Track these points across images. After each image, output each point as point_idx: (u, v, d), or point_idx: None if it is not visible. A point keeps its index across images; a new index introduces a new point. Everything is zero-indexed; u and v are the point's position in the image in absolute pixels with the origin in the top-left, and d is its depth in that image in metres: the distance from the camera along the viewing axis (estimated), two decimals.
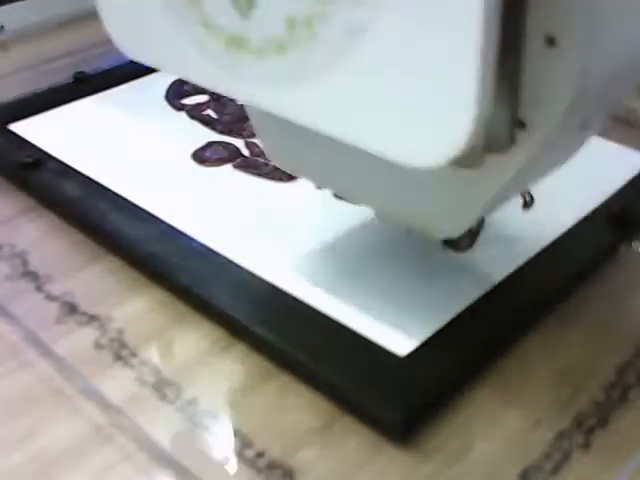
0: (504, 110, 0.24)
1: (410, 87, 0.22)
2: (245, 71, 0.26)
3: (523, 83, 0.23)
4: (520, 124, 0.24)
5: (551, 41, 0.22)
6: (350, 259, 0.35)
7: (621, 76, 0.26)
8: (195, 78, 0.29)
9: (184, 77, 0.30)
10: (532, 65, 0.23)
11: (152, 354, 0.32)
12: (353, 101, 0.23)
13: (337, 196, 0.39)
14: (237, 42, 0.25)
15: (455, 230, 0.30)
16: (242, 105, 0.48)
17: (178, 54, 0.28)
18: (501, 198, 0.29)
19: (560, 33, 0.22)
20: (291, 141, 0.31)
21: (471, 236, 0.36)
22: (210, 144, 0.44)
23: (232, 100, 0.49)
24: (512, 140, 0.25)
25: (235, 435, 0.28)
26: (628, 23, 0.24)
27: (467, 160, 0.25)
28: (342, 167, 0.31)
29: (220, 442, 0.28)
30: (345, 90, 0.23)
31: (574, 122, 0.26)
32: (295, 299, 0.33)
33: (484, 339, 0.31)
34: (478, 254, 0.35)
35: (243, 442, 0.28)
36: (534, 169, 0.28)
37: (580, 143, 0.30)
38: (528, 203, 0.38)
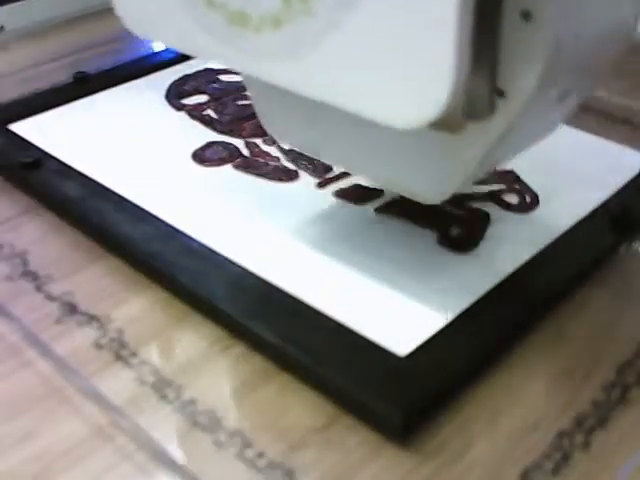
0: (484, 79, 0.26)
1: (393, 54, 0.24)
2: (246, 45, 0.28)
3: (501, 55, 0.25)
4: (499, 92, 0.26)
5: (527, 15, 0.24)
6: (350, 259, 0.35)
7: (597, 50, 0.28)
8: (199, 53, 0.31)
9: (189, 52, 0.32)
10: (508, 38, 0.25)
11: (152, 354, 0.32)
12: (343, 69, 0.25)
13: (338, 196, 0.39)
14: (239, 19, 0.27)
15: (440, 195, 0.32)
16: (242, 105, 0.49)
17: (182, 30, 0.30)
18: (485, 165, 0.31)
19: (535, 8, 0.24)
20: (287, 112, 0.34)
21: (474, 236, 0.36)
22: (210, 144, 0.44)
23: (232, 100, 0.49)
24: (492, 108, 0.26)
25: (235, 435, 0.28)
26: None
27: (449, 125, 0.27)
28: (335, 136, 0.33)
29: (220, 442, 0.28)
30: (336, 59, 0.25)
31: (552, 93, 0.29)
32: (295, 299, 0.33)
33: (484, 339, 0.31)
34: (478, 254, 0.35)
35: (243, 442, 0.28)
36: (516, 138, 0.30)
37: (560, 115, 0.33)
38: (531, 203, 0.38)
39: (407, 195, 0.34)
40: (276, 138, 0.37)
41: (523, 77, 0.25)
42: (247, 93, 0.50)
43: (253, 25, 0.27)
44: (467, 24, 0.22)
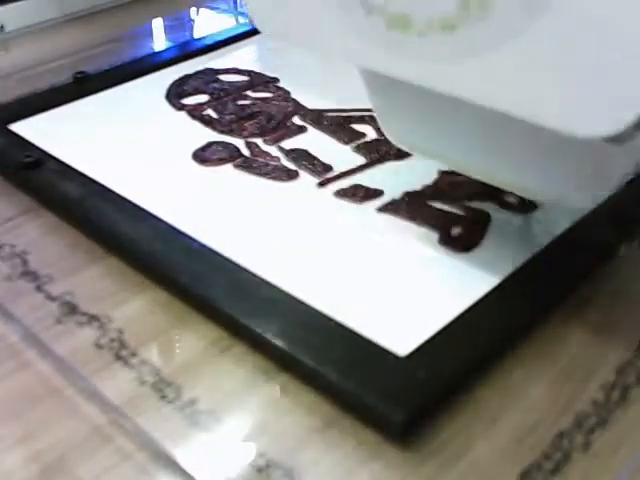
0: None
1: (585, 65, 0.23)
2: (405, 50, 0.26)
3: None
4: None
5: None
6: (350, 259, 0.35)
7: None
8: (350, 59, 0.29)
9: (337, 57, 0.30)
10: None
11: (152, 354, 0.32)
12: (525, 75, 0.24)
13: (338, 196, 0.39)
14: (400, 22, 0.26)
15: (592, 200, 0.31)
16: (242, 105, 0.49)
17: (330, 34, 0.28)
18: (633, 168, 0.30)
19: None
20: (407, 114, 0.33)
21: (475, 236, 0.36)
22: (210, 144, 0.44)
23: (232, 100, 0.49)
24: None
25: (235, 435, 0.28)
26: None
27: (621, 137, 0.25)
28: (476, 145, 0.32)
29: (220, 442, 0.28)
30: (518, 66, 0.24)
31: None
32: (295, 299, 0.33)
33: (484, 339, 0.31)
34: (478, 254, 0.35)
35: (243, 442, 0.28)
36: None
37: None
38: (531, 203, 0.38)
39: (554, 202, 0.33)
40: (394, 142, 0.35)
41: None
42: (247, 93, 0.50)
43: (416, 29, 0.26)
44: None
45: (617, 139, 0.24)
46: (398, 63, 0.27)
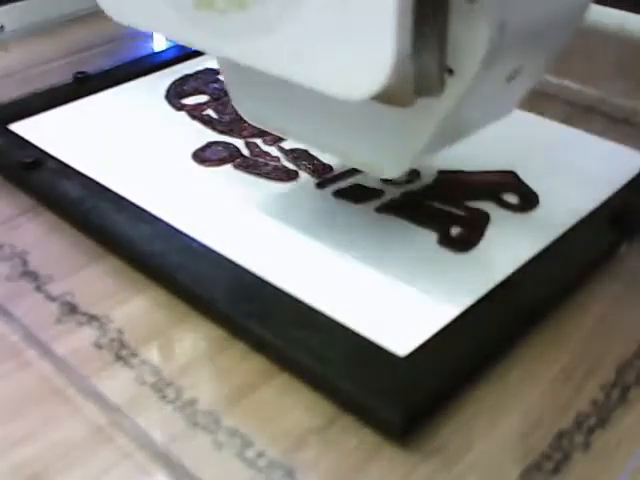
0: (433, 57, 0.28)
1: (342, 31, 0.26)
2: (211, 27, 0.29)
3: (449, 35, 0.27)
4: (448, 71, 0.28)
5: None
6: (350, 259, 0.35)
7: (546, 31, 0.31)
8: (171, 35, 0.34)
9: (162, 34, 0.37)
10: (455, 19, 0.27)
11: (152, 354, 0.32)
12: (301, 46, 0.27)
13: (338, 196, 0.39)
14: (204, 1, 0.29)
15: (395, 170, 0.34)
16: None
17: (155, 13, 0.32)
18: (439, 141, 0.33)
19: None
20: (256, 93, 0.37)
21: (474, 236, 0.36)
22: (210, 144, 0.44)
23: None
24: (441, 85, 0.28)
25: (235, 435, 0.28)
26: None
27: (400, 100, 0.29)
28: (300, 115, 0.36)
29: (220, 442, 0.28)
30: (295, 37, 0.27)
31: (500, 73, 0.31)
32: (295, 299, 0.33)
33: (484, 339, 0.31)
34: (478, 254, 0.35)
35: (243, 442, 0.28)
36: (467, 117, 0.33)
37: (512, 97, 0.35)
38: (531, 203, 0.38)
39: (366, 170, 0.36)
40: (247, 119, 0.38)
41: (470, 57, 0.27)
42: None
43: (218, 7, 0.29)
44: (407, 4, 0.24)
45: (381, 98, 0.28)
46: (207, 39, 0.30)
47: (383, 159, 0.34)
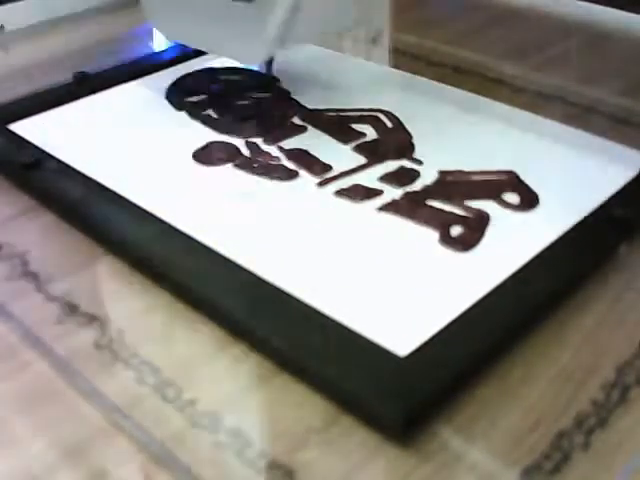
0: None
1: None
2: None
3: None
4: None
5: None
6: (350, 259, 0.35)
7: None
8: None
9: None
10: None
11: (152, 354, 0.32)
12: None
13: (338, 195, 0.39)
14: None
15: (255, 57, 0.46)
16: (242, 105, 0.49)
17: None
18: (288, 35, 0.44)
19: None
20: (164, 7, 0.47)
21: (475, 236, 0.36)
22: (210, 144, 0.44)
23: (232, 100, 0.49)
24: None
25: (235, 435, 0.28)
26: None
27: None
28: (192, 22, 0.47)
29: (220, 442, 0.28)
30: None
31: None
32: (295, 299, 0.33)
33: (484, 339, 0.31)
34: (478, 254, 0.35)
35: (243, 442, 0.28)
36: (309, 16, 0.44)
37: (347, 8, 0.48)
38: (531, 203, 0.38)
39: (234, 59, 0.48)
40: (159, 30, 0.49)
41: None
42: (247, 93, 0.50)
43: None
44: None
45: None
46: None
47: (245, 48, 0.44)
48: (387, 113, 0.47)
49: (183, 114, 0.48)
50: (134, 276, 0.36)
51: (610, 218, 0.37)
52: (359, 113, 0.47)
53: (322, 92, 0.49)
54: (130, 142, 0.45)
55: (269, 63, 0.51)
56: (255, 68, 0.53)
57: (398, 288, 0.34)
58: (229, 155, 0.43)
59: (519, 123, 0.46)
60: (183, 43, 0.51)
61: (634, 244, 0.36)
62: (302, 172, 0.42)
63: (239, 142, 0.45)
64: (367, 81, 0.52)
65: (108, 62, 0.54)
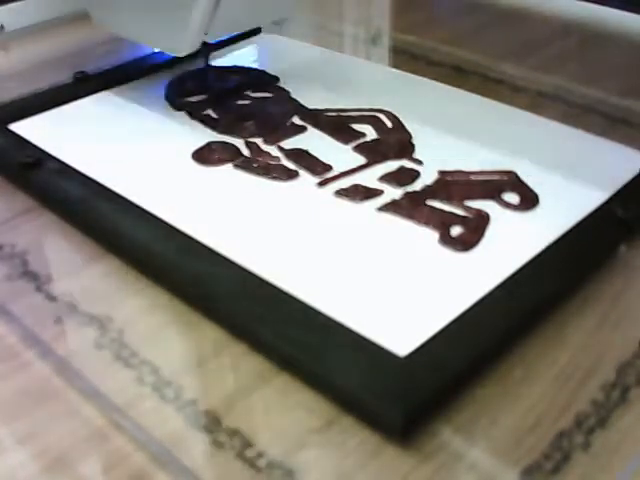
0: None
1: None
2: None
3: None
4: None
5: None
6: (350, 259, 0.35)
7: None
8: None
9: None
10: None
11: (152, 354, 0.32)
12: None
13: (338, 195, 0.39)
14: None
15: (179, 48, 0.46)
16: (242, 105, 0.49)
17: None
18: (216, 25, 0.45)
19: None
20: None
21: (475, 236, 0.36)
22: (210, 144, 0.44)
23: (232, 100, 0.49)
24: None
25: (235, 435, 0.28)
26: None
27: None
28: (125, 15, 0.48)
29: (220, 442, 0.28)
30: None
31: None
32: (295, 299, 0.33)
33: (484, 339, 0.31)
34: (478, 254, 0.35)
35: (243, 442, 0.28)
36: (233, 6, 0.45)
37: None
38: (531, 203, 0.38)
39: (163, 50, 0.49)
40: (96, 21, 0.49)
41: None
42: (247, 93, 0.50)
43: None
44: None
45: None
46: None
47: (171, 39, 0.46)
48: (387, 113, 0.47)
49: (183, 114, 0.48)
50: (134, 276, 0.36)
51: (610, 218, 0.37)
52: (359, 113, 0.47)
53: (322, 92, 0.49)
54: (130, 142, 0.45)
55: (206, 55, 0.51)
56: (255, 68, 0.54)
57: (398, 288, 0.34)
58: (229, 155, 0.43)
59: (519, 123, 0.46)
60: (120, 36, 0.51)
61: (634, 244, 0.36)
62: (302, 172, 0.42)
63: (239, 142, 0.45)
64: (367, 81, 0.52)
65: (108, 62, 0.54)
